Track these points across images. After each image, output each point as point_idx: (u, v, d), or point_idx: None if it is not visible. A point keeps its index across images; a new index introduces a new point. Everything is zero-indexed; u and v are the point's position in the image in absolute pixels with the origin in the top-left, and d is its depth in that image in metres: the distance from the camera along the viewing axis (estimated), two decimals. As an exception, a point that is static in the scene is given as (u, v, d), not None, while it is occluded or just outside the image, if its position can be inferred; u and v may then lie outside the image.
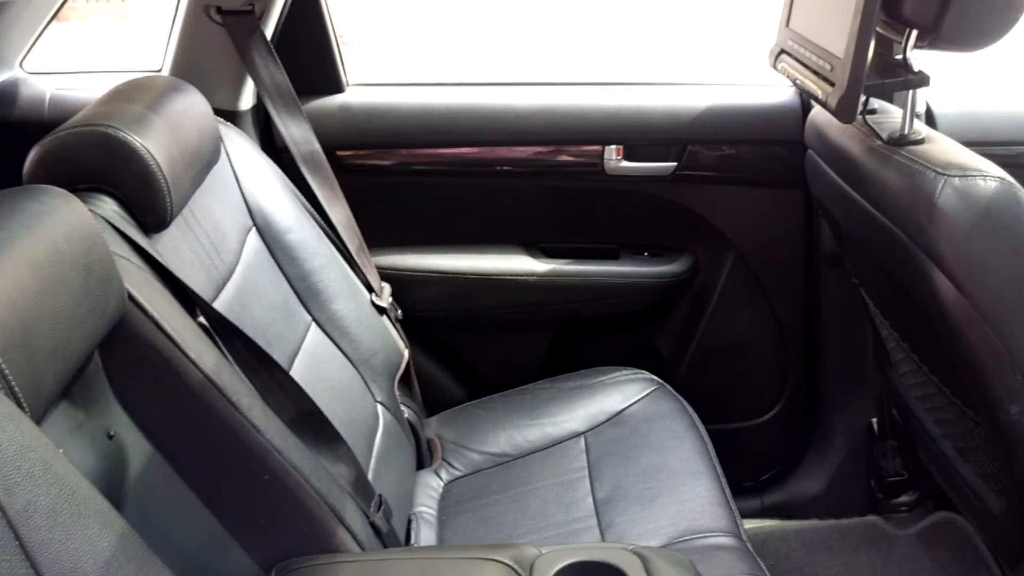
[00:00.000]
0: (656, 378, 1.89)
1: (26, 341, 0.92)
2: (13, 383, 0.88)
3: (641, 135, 1.97)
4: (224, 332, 1.33)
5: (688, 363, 2.14)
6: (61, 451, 0.91)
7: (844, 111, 1.32)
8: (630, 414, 1.80)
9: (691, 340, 2.13)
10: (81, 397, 1.12)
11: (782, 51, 1.59)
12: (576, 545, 1.38)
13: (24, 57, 1.95)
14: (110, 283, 1.09)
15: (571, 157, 2.01)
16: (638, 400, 1.83)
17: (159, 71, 1.89)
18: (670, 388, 1.87)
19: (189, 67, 1.81)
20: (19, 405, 0.88)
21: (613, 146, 1.96)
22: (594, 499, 1.61)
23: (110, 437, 1.15)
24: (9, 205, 1.02)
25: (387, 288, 1.89)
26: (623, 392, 1.86)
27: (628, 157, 1.97)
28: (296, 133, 1.76)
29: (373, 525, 1.40)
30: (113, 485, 1.12)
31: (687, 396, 1.85)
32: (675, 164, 1.96)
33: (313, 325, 1.66)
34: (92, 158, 1.27)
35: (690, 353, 2.13)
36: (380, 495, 1.45)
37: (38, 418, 0.93)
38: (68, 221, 1.06)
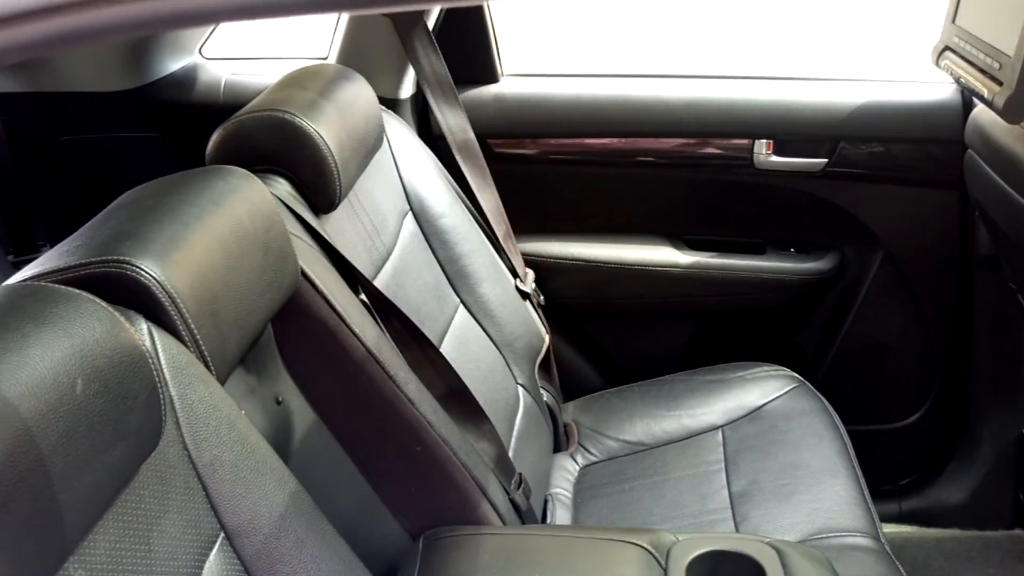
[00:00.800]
0: (797, 375, 1.88)
1: (215, 310, 1.00)
2: (204, 348, 0.96)
3: (792, 130, 1.95)
4: (382, 309, 1.40)
5: (831, 362, 2.11)
6: (243, 412, 0.99)
7: (1012, 111, 1.29)
8: (769, 410, 1.80)
9: (834, 339, 2.10)
10: (255, 365, 1.21)
11: (946, 48, 1.55)
12: (712, 535, 1.40)
13: (203, 44, 2.08)
14: (286, 260, 1.17)
15: (719, 150, 2.00)
16: (778, 397, 1.82)
17: (325, 59, 1.99)
18: (810, 386, 1.85)
19: (355, 56, 1.90)
20: (208, 368, 0.97)
21: (763, 140, 1.95)
22: (729, 492, 1.62)
23: (279, 403, 1.24)
24: (199, 183, 1.11)
25: (531, 274, 1.94)
26: (762, 388, 1.85)
27: (778, 152, 1.95)
28: (452, 121, 1.82)
29: (513, 502, 1.45)
30: (280, 447, 1.21)
31: (828, 395, 1.84)
32: (826, 160, 1.94)
33: (461, 307, 1.72)
34: (270, 141, 1.36)
35: (833, 352, 2.10)
36: (520, 474, 1.50)
37: (223, 379, 1.01)
38: (251, 200, 1.14)
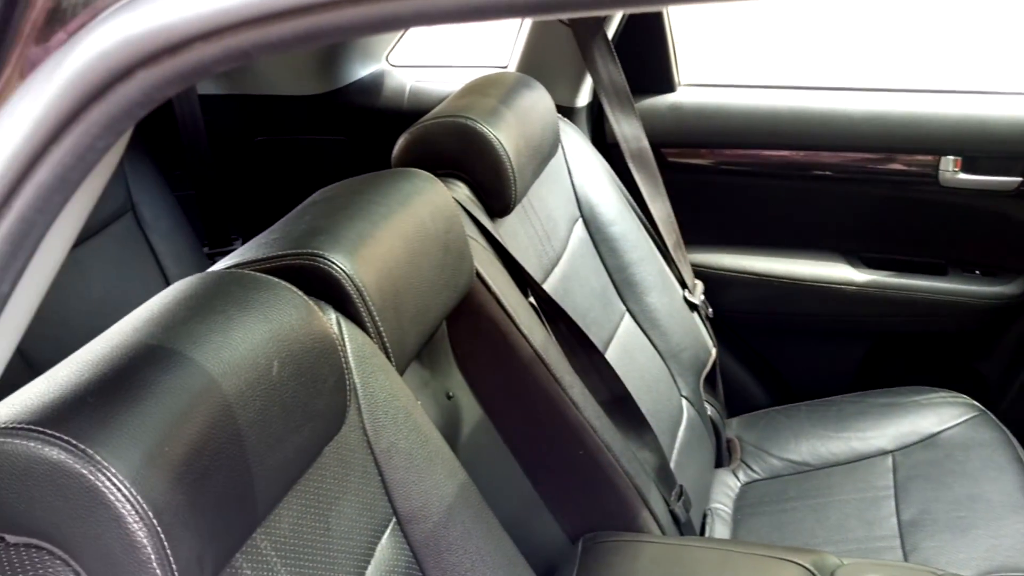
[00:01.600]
0: (977, 404, 1.79)
1: (397, 304, 1.05)
2: (386, 339, 1.01)
3: (984, 147, 1.86)
4: (550, 313, 1.43)
5: (1016, 392, 2.00)
6: (419, 403, 1.04)
7: None
8: (945, 438, 1.72)
9: (1021, 368, 1.99)
10: (429, 359, 1.26)
11: None
12: (879, 561, 1.35)
13: (390, 51, 2.18)
14: (463, 260, 1.22)
15: (902, 166, 1.93)
16: (955, 425, 1.74)
17: (505, 68, 2.04)
18: (992, 416, 1.76)
19: (534, 64, 1.94)
20: (389, 358, 1.02)
21: (951, 157, 1.87)
22: (899, 520, 1.56)
23: (449, 397, 1.28)
24: (387, 184, 1.17)
25: (700, 285, 1.92)
26: (939, 415, 1.77)
27: (967, 169, 1.87)
28: (627, 130, 1.84)
29: (673, 513, 1.45)
30: (448, 440, 1.25)
31: (1012, 427, 1.74)
32: (1020, 179, 1.84)
33: (627, 315, 1.73)
34: (452, 146, 1.41)
35: (1019, 381, 1.99)
36: (681, 486, 1.50)
37: (401, 370, 1.06)
38: (433, 202, 1.19)
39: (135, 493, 0.61)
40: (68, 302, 1.74)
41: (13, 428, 0.62)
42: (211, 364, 0.72)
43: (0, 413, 0.64)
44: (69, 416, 0.63)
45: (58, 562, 0.63)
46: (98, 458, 0.61)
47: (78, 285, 1.78)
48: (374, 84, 2.13)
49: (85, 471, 0.61)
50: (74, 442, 0.61)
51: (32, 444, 0.61)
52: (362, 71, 2.14)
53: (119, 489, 0.61)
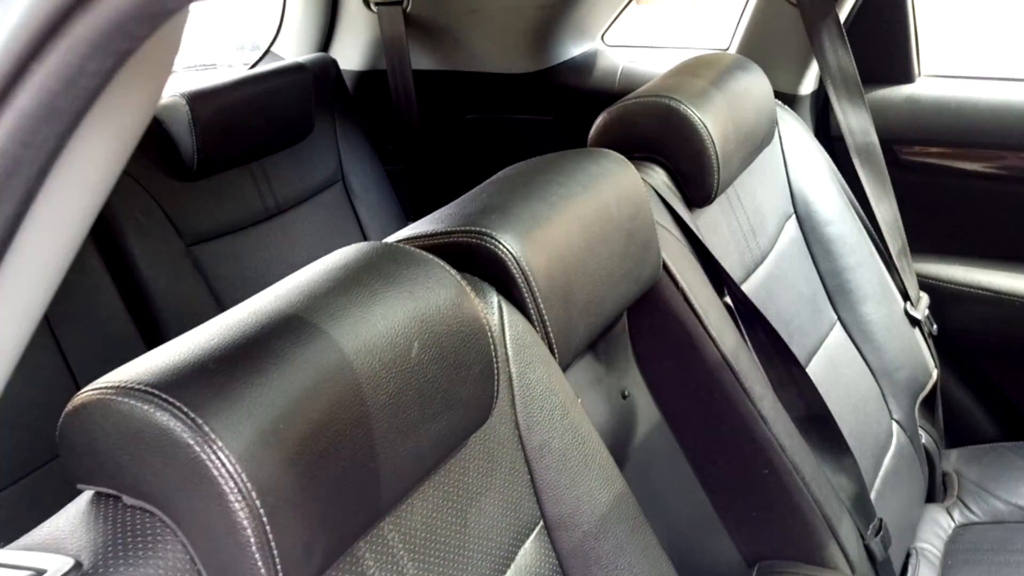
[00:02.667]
0: None
1: (566, 292, 0.98)
2: (550, 328, 0.94)
3: None
4: (747, 316, 1.31)
5: None
6: (580, 400, 0.96)
7: None
8: None
9: None
10: (604, 353, 1.18)
11: None
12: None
13: (605, 31, 2.10)
14: (649, 250, 1.13)
15: None
16: None
17: (726, 50, 1.91)
18: None
19: (756, 47, 1.80)
20: (551, 350, 0.94)
21: None
22: None
23: (624, 396, 1.19)
24: (572, 164, 1.10)
25: (924, 299, 1.73)
26: None
27: None
28: (854, 123, 1.67)
29: (868, 549, 1.29)
30: (618, 442, 1.17)
31: None
32: None
33: (837, 325, 1.57)
34: (651, 127, 1.32)
35: None
36: (880, 519, 1.34)
37: (564, 365, 0.99)
38: (621, 185, 1.11)
39: (240, 471, 0.58)
40: (271, 266, 1.78)
41: (130, 388, 0.60)
42: (345, 340, 0.67)
43: (125, 373, 0.62)
44: (187, 383, 0.60)
45: (167, 530, 0.61)
46: (207, 429, 0.58)
47: (284, 249, 1.82)
48: (586, 64, 2.06)
49: (192, 442, 0.58)
50: (185, 410, 0.58)
51: (146, 407, 0.59)
52: (575, 50, 2.07)
53: (224, 465, 0.57)
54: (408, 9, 2.01)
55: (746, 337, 1.31)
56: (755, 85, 1.48)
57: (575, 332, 0.99)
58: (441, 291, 0.76)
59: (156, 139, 1.65)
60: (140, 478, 0.61)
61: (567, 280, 0.98)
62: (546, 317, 0.94)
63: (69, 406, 0.63)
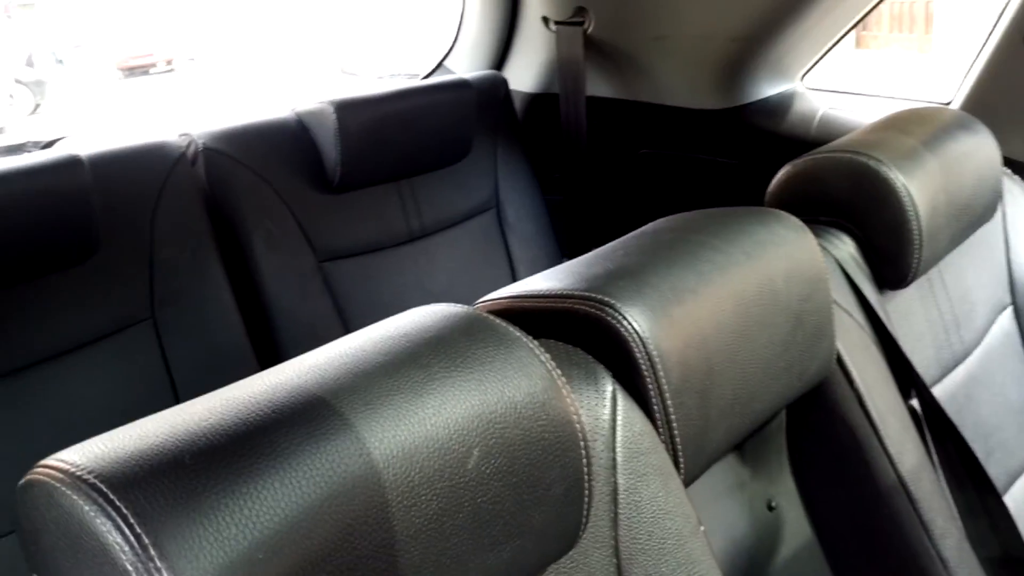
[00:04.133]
0: None
1: (705, 387, 0.78)
2: (676, 432, 0.75)
3: None
4: (936, 426, 1.08)
5: None
6: (703, 528, 0.76)
7: None
8: None
9: None
10: (752, 454, 0.97)
11: None
12: None
13: (807, 72, 1.87)
14: (820, 339, 0.91)
15: None
16: None
17: (948, 104, 1.65)
18: None
19: (985, 103, 1.54)
20: (675, 460, 0.75)
21: None
22: None
23: (770, 508, 0.99)
24: (735, 226, 0.90)
25: None
26: None
27: None
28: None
29: None
30: (756, 563, 0.96)
31: None
32: None
33: (1052, 445, 1.30)
34: (842, 188, 1.11)
35: None
36: None
37: (692, 477, 0.79)
38: (794, 257, 0.90)
39: None
40: (406, 292, 1.66)
41: (79, 478, 0.46)
42: (378, 439, 0.51)
43: (85, 451, 0.48)
44: (146, 481, 0.46)
45: None
46: (152, 553, 0.43)
47: (423, 275, 1.70)
48: (780, 106, 1.84)
49: (131, 568, 0.43)
50: (132, 521, 0.44)
51: (87, 508, 0.44)
52: (769, 89, 1.85)
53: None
54: (589, 31, 1.85)
55: (932, 452, 1.07)
56: (979, 148, 1.23)
57: (711, 437, 0.80)
58: (522, 383, 0.58)
59: (300, 146, 1.56)
60: None
61: (708, 371, 0.79)
62: (673, 417, 0.75)
63: (23, 480, 0.50)
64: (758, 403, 0.85)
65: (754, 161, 1.85)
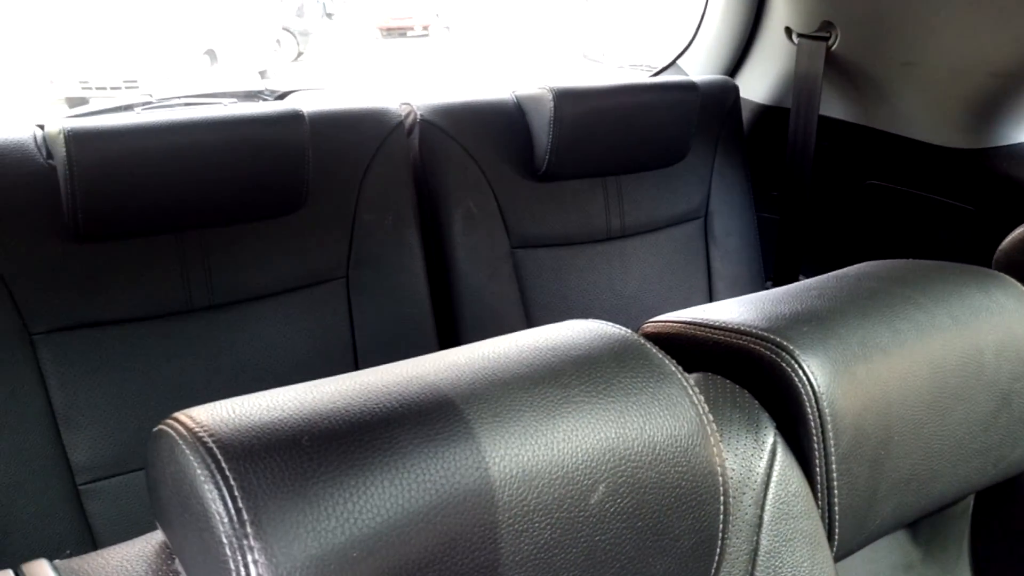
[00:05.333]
0: None
1: (880, 455, 0.71)
2: (836, 502, 0.68)
3: None
4: None
5: None
6: (851, 610, 0.69)
7: None
8: None
9: None
10: (928, 537, 0.88)
11: None
12: None
13: (1075, 119, 1.68)
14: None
15: None
16: None
17: None
18: None
19: None
20: (829, 531, 0.69)
21: None
22: None
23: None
24: (947, 285, 0.81)
25: None
26: None
27: None
28: None
29: None
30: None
31: None
32: None
33: None
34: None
35: None
36: None
37: (846, 551, 0.72)
38: (1011, 331, 0.80)
39: None
40: (595, 291, 1.63)
41: (200, 438, 0.46)
42: (499, 454, 0.48)
43: (214, 412, 0.49)
44: (259, 455, 0.45)
45: None
46: (248, 531, 0.42)
47: (614, 277, 1.67)
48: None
49: (226, 541, 0.42)
50: (236, 494, 0.43)
51: (198, 471, 0.44)
52: (1025, 134, 1.68)
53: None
54: (833, 47, 1.75)
55: None
56: None
57: (876, 512, 0.72)
58: (667, 423, 0.54)
59: (513, 129, 1.56)
60: (183, 551, 0.47)
61: (886, 440, 0.71)
62: (836, 483, 0.68)
63: (156, 428, 0.51)
64: (940, 484, 0.77)
65: (993, 211, 1.69)
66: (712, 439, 0.56)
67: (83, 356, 1.25)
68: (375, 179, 1.44)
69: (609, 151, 1.60)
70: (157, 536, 0.54)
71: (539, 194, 1.57)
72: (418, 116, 1.52)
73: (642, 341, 0.59)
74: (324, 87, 1.84)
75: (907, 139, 1.76)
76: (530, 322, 1.52)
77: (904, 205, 1.79)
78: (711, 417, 0.57)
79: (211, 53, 6.27)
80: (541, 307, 1.56)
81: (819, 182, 1.88)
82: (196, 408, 0.50)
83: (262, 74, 6.92)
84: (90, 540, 1.24)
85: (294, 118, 1.31)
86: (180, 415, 0.49)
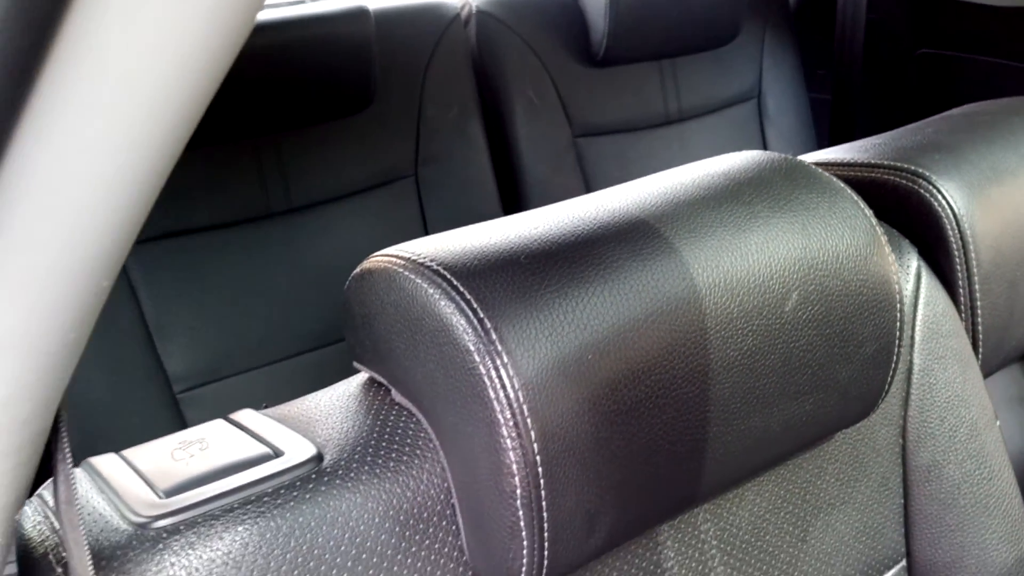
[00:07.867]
0: None
1: (1017, 276, 0.72)
2: (980, 319, 0.70)
3: None
4: None
5: None
6: (998, 423, 0.71)
7: None
8: None
9: None
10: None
11: None
12: None
13: None
14: None
15: None
16: None
17: None
18: None
19: None
20: (975, 348, 0.71)
21: None
22: None
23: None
24: None
25: None
26: None
27: None
28: None
29: None
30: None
31: None
32: None
33: None
34: None
35: None
36: None
37: (989, 370, 0.74)
38: None
39: (522, 401, 0.43)
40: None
41: (421, 265, 0.48)
42: (700, 267, 0.50)
43: (421, 246, 0.50)
44: (485, 274, 0.46)
45: (429, 444, 0.50)
46: (494, 337, 0.44)
47: (675, 161, 1.67)
48: None
49: (473, 348, 0.44)
50: (475, 306, 0.45)
51: (431, 291, 0.46)
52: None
53: (504, 388, 0.43)
54: (881, -86, 1.72)
55: None
56: None
57: (1013, 333, 0.74)
58: (846, 234, 0.56)
59: (569, 17, 1.55)
60: (410, 374, 0.49)
61: (1022, 260, 0.73)
62: (979, 303, 0.70)
63: (357, 270, 0.52)
64: (1068, 307, 0.78)
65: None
66: (886, 248, 0.57)
67: (170, 265, 1.27)
68: (436, 73, 1.44)
69: (663, 32, 1.59)
70: (356, 379, 0.56)
71: (597, 81, 1.56)
72: (473, 8, 1.51)
73: (807, 162, 0.60)
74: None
75: (960, 3, 1.74)
76: (597, 210, 1.53)
77: (959, 71, 1.78)
78: (880, 230, 0.58)
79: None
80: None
81: (869, 57, 1.86)
82: (394, 247, 0.51)
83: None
84: (195, 446, 1.27)
85: (360, 14, 1.30)
86: (385, 252, 0.51)
